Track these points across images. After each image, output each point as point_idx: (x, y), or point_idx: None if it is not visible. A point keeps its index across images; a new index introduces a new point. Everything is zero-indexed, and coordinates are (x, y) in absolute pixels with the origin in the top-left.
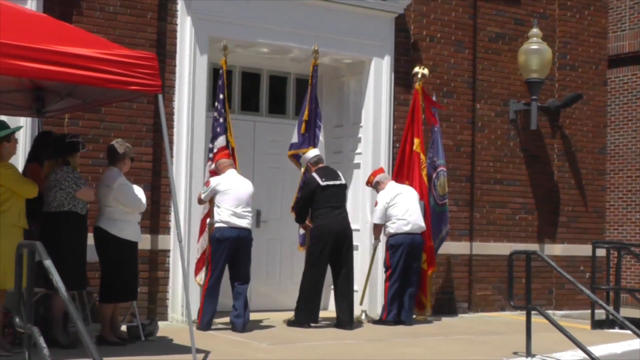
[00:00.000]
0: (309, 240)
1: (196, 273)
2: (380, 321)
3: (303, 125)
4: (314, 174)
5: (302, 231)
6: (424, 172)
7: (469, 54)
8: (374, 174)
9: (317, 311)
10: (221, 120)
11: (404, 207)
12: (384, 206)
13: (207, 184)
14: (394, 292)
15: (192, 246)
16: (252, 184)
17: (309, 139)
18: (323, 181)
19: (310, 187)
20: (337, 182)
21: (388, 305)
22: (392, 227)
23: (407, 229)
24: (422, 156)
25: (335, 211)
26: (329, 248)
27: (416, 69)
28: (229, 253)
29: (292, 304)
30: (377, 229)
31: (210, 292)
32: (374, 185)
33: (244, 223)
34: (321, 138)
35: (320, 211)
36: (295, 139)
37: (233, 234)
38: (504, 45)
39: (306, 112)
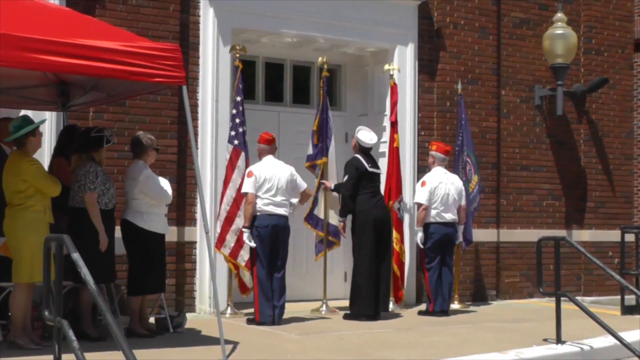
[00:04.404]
0: (351, 229)
1: (220, 243)
2: (427, 312)
3: (315, 137)
4: (359, 156)
5: (318, 238)
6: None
7: (493, 40)
8: (439, 148)
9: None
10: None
11: (440, 196)
12: (431, 187)
13: (249, 174)
14: (435, 282)
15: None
16: (292, 170)
17: (322, 149)
18: (370, 167)
19: (359, 170)
20: (378, 171)
21: (433, 296)
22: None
23: (438, 218)
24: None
25: (375, 197)
26: (372, 235)
27: (386, 67)
28: (271, 239)
29: (319, 294)
30: (421, 212)
31: (261, 283)
32: (429, 156)
33: (282, 211)
34: (332, 148)
35: (362, 197)
36: (310, 150)
37: (272, 221)
38: (529, 31)
39: (315, 123)
